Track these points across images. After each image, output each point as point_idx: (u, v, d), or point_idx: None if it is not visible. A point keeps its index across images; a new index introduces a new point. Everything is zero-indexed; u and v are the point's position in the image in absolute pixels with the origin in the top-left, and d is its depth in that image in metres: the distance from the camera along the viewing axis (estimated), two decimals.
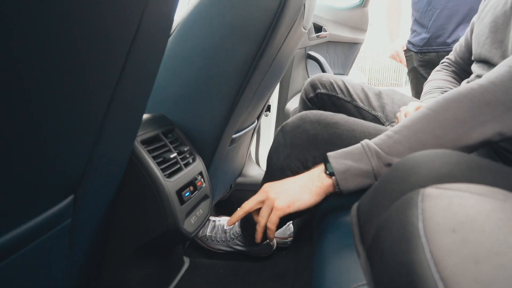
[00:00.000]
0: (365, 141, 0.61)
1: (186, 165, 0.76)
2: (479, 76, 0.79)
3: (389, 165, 0.57)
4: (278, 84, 1.67)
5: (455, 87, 0.99)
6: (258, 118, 1.29)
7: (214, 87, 0.80)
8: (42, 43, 0.29)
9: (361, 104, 1.07)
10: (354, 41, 2.26)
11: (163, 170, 0.68)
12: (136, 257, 0.72)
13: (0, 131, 0.31)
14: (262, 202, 0.67)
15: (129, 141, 0.59)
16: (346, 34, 2.12)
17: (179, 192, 0.70)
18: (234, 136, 0.99)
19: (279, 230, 1.15)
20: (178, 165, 0.73)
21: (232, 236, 1.09)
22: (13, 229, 0.39)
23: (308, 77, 1.87)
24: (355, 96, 1.07)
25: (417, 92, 1.83)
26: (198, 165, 0.81)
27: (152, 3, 0.40)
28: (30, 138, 0.35)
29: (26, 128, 0.34)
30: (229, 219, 0.72)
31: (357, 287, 0.44)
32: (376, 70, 13.41)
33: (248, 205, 0.69)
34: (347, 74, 2.37)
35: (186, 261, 1.02)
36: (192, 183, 0.76)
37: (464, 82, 0.90)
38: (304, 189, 0.63)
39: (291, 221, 1.19)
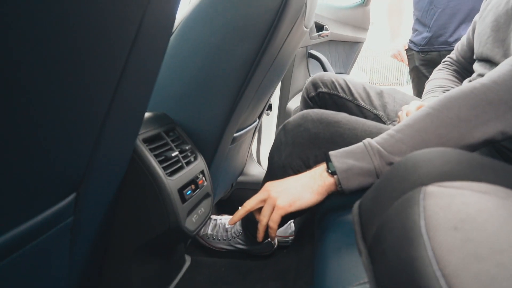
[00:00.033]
0: (367, 140, 0.61)
1: (188, 163, 0.76)
2: (480, 75, 0.78)
3: (391, 164, 0.57)
4: (280, 83, 1.67)
5: (457, 86, 0.99)
6: (260, 117, 1.29)
7: (215, 86, 0.80)
8: (43, 42, 0.30)
9: (362, 103, 1.07)
10: (356, 40, 2.26)
11: (164, 168, 0.68)
12: (138, 256, 0.72)
13: (1, 129, 0.31)
14: (264, 201, 0.67)
15: (131, 139, 0.59)
16: (347, 33, 2.12)
17: (181, 190, 0.70)
18: (235, 135, 0.99)
19: (280, 229, 1.15)
20: (180, 164, 0.73)
21: (234, 234, 1.09)
22: (15, 228, 0.39)
23: (310, 76, 1.87)
24: (356, 95, 1.07)
25: (418, 91, 1.83)
26: (199, 164, 0.81)
27: (154, 2, 0.40)
28: (31, 137, 0.35)
29: (27, 127, 0.34)
30: (230, 218, 0.72)
31: (359, 285, 0.45)
32: (378, 69, 13.39)
33: (249, 204, 0.69)
34: (348, 73, 2.37)
35: (188, 260, 1.02)
36: (193, 181, 0.76)
37: (465, 81, 0.90)
38: (306, 188, 0.63)
39: (292, 220, 1.19)
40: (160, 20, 0.45)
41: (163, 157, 0.69)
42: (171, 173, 0.69)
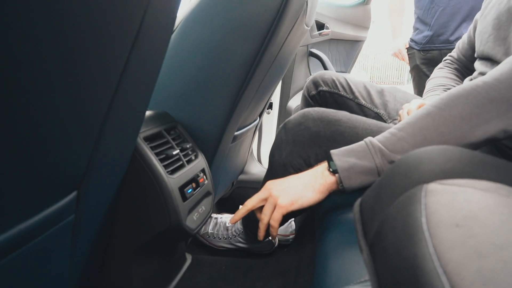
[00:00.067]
0: (369, 139, 0.61)
1: (189, 162, 0.77)
2: (482, 74, 0.78)
3: (393, 162, 0.57)
4: (280, 81, 1.67)
5: (458, 84, 0.99)
6: (260, 115, 1.29)
7: (216, 85, 0.80)
8: (43, 42, 0.29)
9: (363, 102, 1.06)
10: (356, 39, 2.25)
11: (165, 166, 0.68)
12: (139, 254, 0.72)
13: (1, 128, 0.31)
14: (265, 199, 0.67)
15: (132, 138, 0.59)
16: (348, 32, 2.12)
17: (182, 188, 0.70)
18: (236, 133, 0.99)
19: (281, 228, 1.15)
20: (181, 162, 0.73)
21: (234, 233, 1.09)
22: (17, 225, 0.39)
23: (310, 74, 1.87)
24: (357, 94, 1.07)
25: (419, 90, 1.83)
26: (200, 162, 0.81)
27: (154, 2, 0.40)
28: (32, 135, 0.35)
29: (27, 126, 0.34)
30: (231, 217, 0.72)
31: (359, 283, 0.45)
32: (378, 68, 13.38)
33: (250, 203, 0.69)
34: (349, 72, 2.37)
35: (189, 258, 1.02)
36: (194, 180, 0.76)
37: (466, 80, 0.90)
38: (307, 186, 0.63)
39: (293, 219, 1.19)
40: (160, 19, 0.45)
41: (164, 156, 0.69)
42: (172, 172, 0.69)
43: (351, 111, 1.03)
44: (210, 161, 0.88)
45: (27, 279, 0.46)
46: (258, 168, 1.56)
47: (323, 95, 1.10)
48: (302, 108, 1.07)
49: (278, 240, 1.15)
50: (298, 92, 1.79)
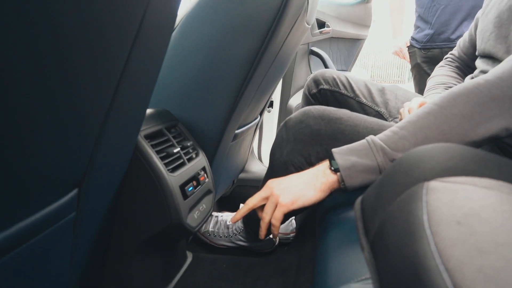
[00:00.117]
0: (370, 137, 0.60)
1: (189, 160, 0.77)
2: (483, 72, 0.78)
3: (394, 161, 0.57)
4: (281, 80, 1.67)
5: (459, 83, 0.99)
6: (261, 114, 1.29)
7: (216, 83, 0.80)
8: (44, 42, 0.29)
9: (364, 100, 1.06)
10: (357, 37, 2.25)
11: (166, 164, 0.68)
12: (139, 252, 0.73)
13: (2, 128, 0.31)
14: (266, 198, 0.67)
15: (133, 136, 0.59)
16: (349, 30, 2.11)
17: (182, 186, 0.70)
18: (236, 131, 0.99)
19: (282, 226, 1.16)
20: (181, 160, 0.73)
21: (235, 231, 1.09)
22: (18, 223, 0.40)
23: (311, 73, 1.86)
24: (358, 92, 1.07)
25: (420, 89, 1.82)
26: (201, 160, 0.81)
27: (154, 1, 0.40)
28: (32, 134, 0.35)
29: (28, 124, 0.34)
30: (233, 216, 0.72)
31: (360, 281, 0.45)
32: (379, 66, 13.36)
33: (252, 202, 0.68)
34: (350, 71, 2.37)
35: (189, 256, 1.02)
36: (195, 178, 0.76)
37: (468, 78, 0.89)
38: (308, 185, 0.63)
39: (293, 217, 1.19)
40: (160, 19, 0.45)
41: (164, 154, 0.69)
42: (173, 170, 0.69)
43: (352, 109, 1.03)
44: (211, 159, 0.88)
45: (28, 277, 0.46)
46: (258, 166, 1.56)
47: (324, 93, 1.09)
48: (303, 106, 1.07)
49: (279, 239, 1.16)
50: (299, 90, 1.79)
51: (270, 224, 0.67)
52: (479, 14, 0.90)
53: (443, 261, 0.23)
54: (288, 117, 0.83)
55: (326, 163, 0.63)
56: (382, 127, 0.74)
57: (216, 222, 1.14)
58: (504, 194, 0.27)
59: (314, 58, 1.86)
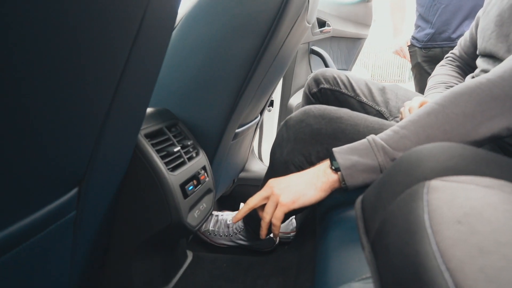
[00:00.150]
0: (371, 136, 0.60)
1: (190, 159, 0.76)
2: (484, 71, 0.78)
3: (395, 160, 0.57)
4: (281, 79, 1.67)
5: (460, 82, 0.99)
6: (261, 113, 1.29)
7: (217, 83, 0.80)
8: (44, 42, 0.29)
9: (364, 99, 1.06)
10: (358, 37, 2.25)
11: (166, 163, 0.68)
12: (140, 251, 0.73)
13: (3, 127, 0.31)
14: (267, 198, 0.67)
15: (133, 135, 0.59)
16: (349, 30, 2.11)
17: (183, 185, 0.70)
18: (237, 130, 0.99)
19: (282, 225, 1.15)
20: (182, 159, 0.73)
21: (235, 230, 1.09)
22: (18, 222, 0.40)
23: (312, 72, 1.86)
24: (358, 91, 1.07)
25: (421, 88, 1.82)
26: (201, 159, 0.81)
27: (154, 1, 0.40)
28: (33, 134, 0.35)
29: (29, 124, 0.34)
30: (233, 216, 0.72)
31: (361, 280, 0.44)
32: (380, 66, 13.35)
33: (252, 202, 0.68)
34: (350, 70, 2.36)
35: (190, 255, 1.02)
36: (195, 177, 0.76)
37: (468, 77, 0.89)
38: (309, 184, 0.63)
39: (294, 216, 1.19)
40: (161, 19, 0.45)
41: (165, 152, 0.69)
42: (173, 169, 0.69)
43: (353, 108, 1.03)
44: (211, 159, 0.88)
45: (28, 277, 0.46)
46: (259, 165, 1.56)
47: (324, 93, 1.09)
48: (303, 106, 1.07)
49: (279, 238, 1.15)
50: (299, 89, 1.79)
51: (270, 224, 0.67)
52: (480, 13, 0.89)
53: (444, 260, 0.22)
54: (289, 116, 0.83)
55: (326, 163, 0.63)
56: (383, 126, 0.74)
57: (217, 221, 1.14)
58: (505, 193, 0.27)
59: (314, 57, 1.86)
